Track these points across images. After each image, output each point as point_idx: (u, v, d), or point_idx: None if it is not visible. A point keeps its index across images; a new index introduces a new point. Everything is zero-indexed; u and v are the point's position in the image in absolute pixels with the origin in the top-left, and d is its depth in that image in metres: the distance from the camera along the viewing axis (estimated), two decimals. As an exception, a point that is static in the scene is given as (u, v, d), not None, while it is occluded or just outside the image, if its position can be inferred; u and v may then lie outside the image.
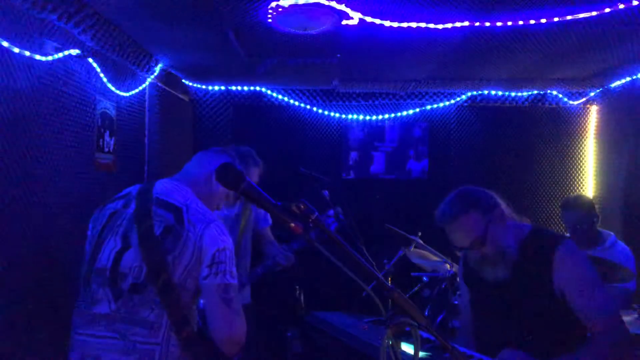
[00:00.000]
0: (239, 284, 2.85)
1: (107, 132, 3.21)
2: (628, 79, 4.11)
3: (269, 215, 3.21)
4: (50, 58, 2.52)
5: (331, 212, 3.01)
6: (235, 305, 1.66)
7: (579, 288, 1.81)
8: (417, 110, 4.97)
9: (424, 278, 3.77)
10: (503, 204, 1.96)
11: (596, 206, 3.65)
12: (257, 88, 4.91)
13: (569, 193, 4.87)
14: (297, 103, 4.95)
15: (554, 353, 1.80)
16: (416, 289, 3.75)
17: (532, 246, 1.90)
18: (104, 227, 1.76)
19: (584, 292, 1.81)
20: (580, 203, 3.52)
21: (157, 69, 3.87)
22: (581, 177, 4.93)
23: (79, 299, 1.73)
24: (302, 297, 3.51)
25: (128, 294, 1.63)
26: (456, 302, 3.51)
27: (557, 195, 4.83)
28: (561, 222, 4.50)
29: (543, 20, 2.76)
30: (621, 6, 2.53)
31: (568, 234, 3.48)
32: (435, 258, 3.80)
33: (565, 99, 4.87)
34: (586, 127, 4.93)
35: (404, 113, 4.97)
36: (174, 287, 1.61)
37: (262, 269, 2.95)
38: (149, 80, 3.84)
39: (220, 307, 1.64)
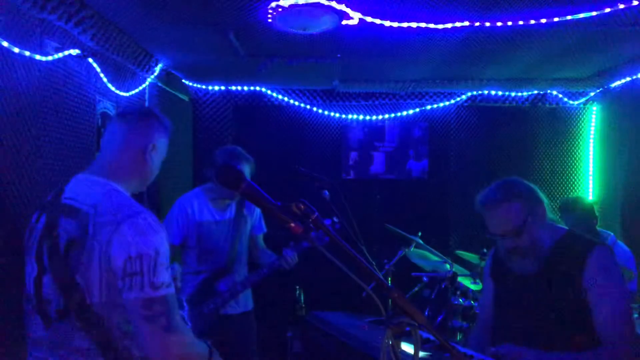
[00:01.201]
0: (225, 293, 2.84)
1: (107, 132, 3.20)
2: (628, 79, 4.11)
3: (263, 223, 3.21)
4: (50, 58, 2.52)
5: (328, 221, 2.99)
6: (164, 320, 1.39)
7: (603, 297, 1.82)
8: (417, 110, 4.97)
9: (424, 278, 3.76)
10: (545, 202, 1.97)
11: (596, 206, 3.66)
12: (257, 88, 4.91)
13: (569, 193, 4.87)
14: (297, 103, 4.95)
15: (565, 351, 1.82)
16: (416, 289, 3.75)
17: (567, 246, 1.92)
18: (24, 248, 1.57)
19: (606, 302, 1.82)
20: (578, 205, 3.53)
21: (157, 69, 3.87)
22: (581, 177, 4.93)
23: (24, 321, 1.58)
24: (302, 297, 3.50)
25: (56, 321, 1.45)
26: (456, 302, 3.51)
27: (557, 195, 4.83)
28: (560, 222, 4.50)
29: (543, 20, 2.76)
30: (621, 6, 2.53)
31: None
32: (435, 258, 3.80)
33: (565, 99, 4.87)
34: (586, 127, 4.93)
35: (404, 113, 4.97)
36: (91, 310, 1.40)
37: (266, 270, 2.92)
38: (149, 80, 3.84)
39: (144, 325, 1.39)
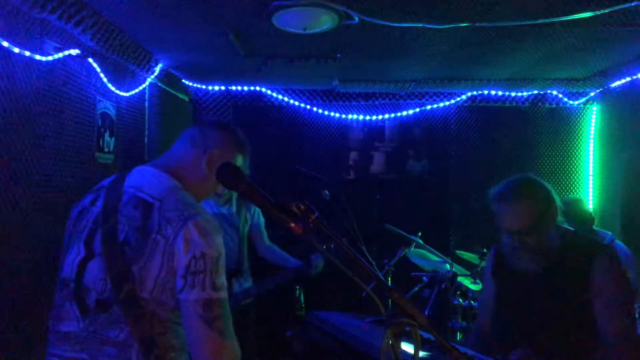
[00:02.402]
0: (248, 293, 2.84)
1: (107, 132, 3.21)
2: (628, 79, 4.11)
3: (262, 217, 3.20)
4: (50, 58, 2.52)
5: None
6: (220, 324, 1.34)
7: (608, 300, 1.83)
8: (417, 110, 4.97)
9: (424, 278, 3.77)
10: (558, 203, 1.98)
11: (596, 207, 3.67)
12: (257, 88, 4.91)
13: (569, 193, 4.87)
14: (297, 103, 4.95)
15: (566, 354, 1.82)
16: (416, 289, 3.75)
17: (575, 248, 1.93)
18: (71, 230, 1.52)
19: (610, 305, 1.83)
20: (576, 207, 3.55)
21: (157, 69, 3.87)
22: (581, 177, 4.93)
23: (51, 314, 1.51)
24: (302, 297, 3.51)
25: (94, 311, 1.39)
26: (456, 302, 3.51)
27: (557, 195, 4.83)
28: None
29: (543, 20, 2.76)
30: (621, 6, 2.52)
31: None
32: (435, 258, 3.80)
33: (565, 99, 4.87)
34: (586, 127, 4.93)
35: (404, 113, 4.97)
36: (139, 303, 1.35)
37: (281, 277, 2.92)
38: (149, 80, 3.84)
39: (200, 327, 1.33)
